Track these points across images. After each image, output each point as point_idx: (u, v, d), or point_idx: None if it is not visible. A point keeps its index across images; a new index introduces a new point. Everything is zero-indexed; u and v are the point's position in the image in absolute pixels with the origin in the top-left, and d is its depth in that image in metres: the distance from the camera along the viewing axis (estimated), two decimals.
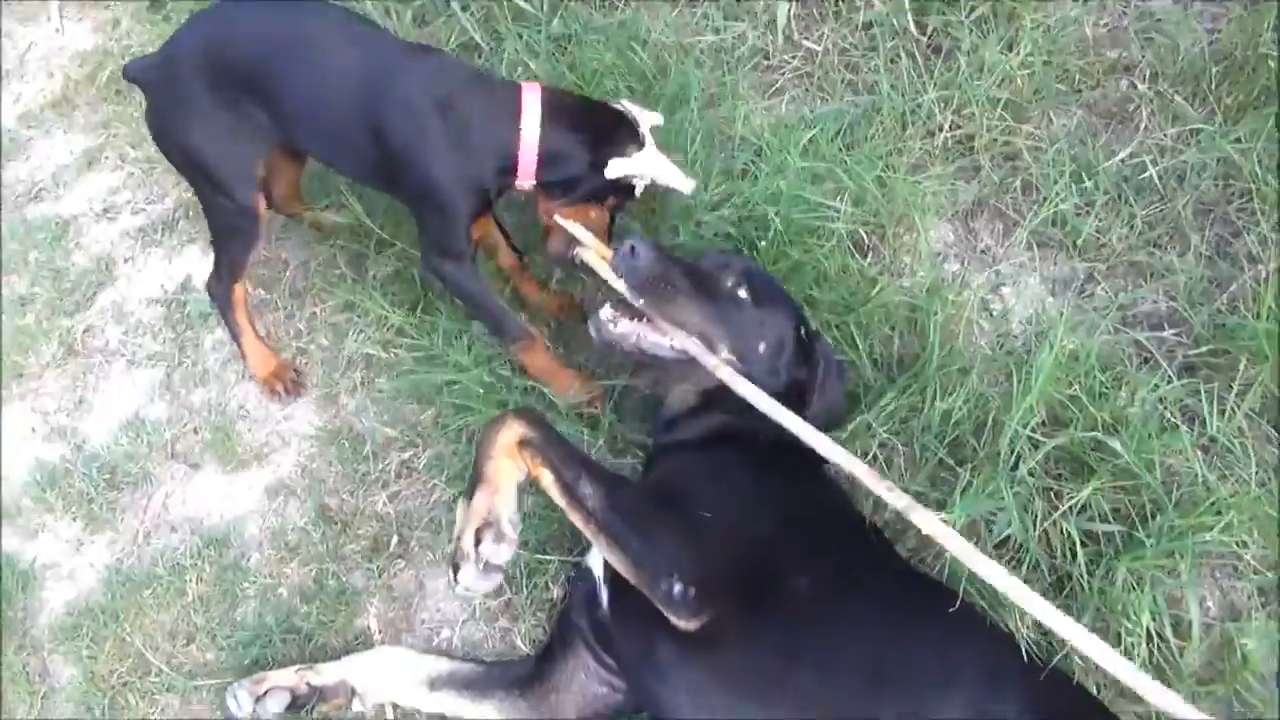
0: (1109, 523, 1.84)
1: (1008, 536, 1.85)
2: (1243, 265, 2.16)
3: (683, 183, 2.08)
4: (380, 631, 2.12)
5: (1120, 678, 1.42)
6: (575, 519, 1.70)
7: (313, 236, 2.68)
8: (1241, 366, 1.97)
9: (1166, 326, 2.16)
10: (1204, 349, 2.05)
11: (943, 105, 2.44)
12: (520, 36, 2.72)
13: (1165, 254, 2.24)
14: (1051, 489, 1.90)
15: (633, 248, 1.89)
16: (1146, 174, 2.29)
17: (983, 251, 2.40)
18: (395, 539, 2.22)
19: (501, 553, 1.61)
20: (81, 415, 2.58)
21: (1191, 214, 2.26)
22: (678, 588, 1.59)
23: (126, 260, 2.87)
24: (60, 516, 2.42)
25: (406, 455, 2.31)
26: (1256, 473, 1.88)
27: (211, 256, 2.40)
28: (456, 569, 1.61)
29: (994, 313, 2.28)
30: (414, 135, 2.01)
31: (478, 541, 1.61)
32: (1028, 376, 1.93)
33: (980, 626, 1.72)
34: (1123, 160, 2.33)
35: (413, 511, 2.25)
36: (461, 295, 2.24)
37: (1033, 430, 1.88)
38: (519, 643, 2.07)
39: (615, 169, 2.01)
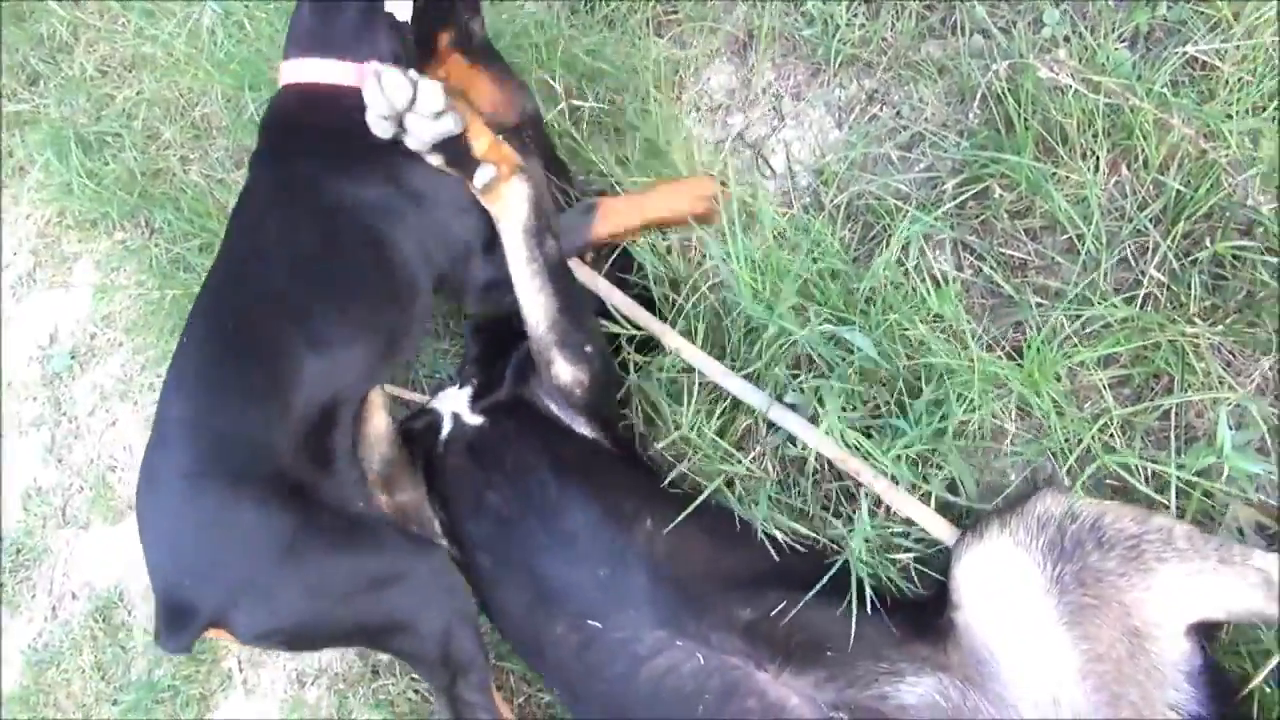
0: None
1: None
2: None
3: None
4: (241, 669, 2.17)
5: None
6: (522, 261, 1.74)
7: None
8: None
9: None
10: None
11: None
12: None
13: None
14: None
15: None
16: None
17: (764, 90, 2.07)
18: None
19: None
20: None
21: None
22: (589, 348, 1.76)
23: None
24: None
25: None
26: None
27: None
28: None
29: (775, 170, 1.98)
30: None
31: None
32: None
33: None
34: None
35: None
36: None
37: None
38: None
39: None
